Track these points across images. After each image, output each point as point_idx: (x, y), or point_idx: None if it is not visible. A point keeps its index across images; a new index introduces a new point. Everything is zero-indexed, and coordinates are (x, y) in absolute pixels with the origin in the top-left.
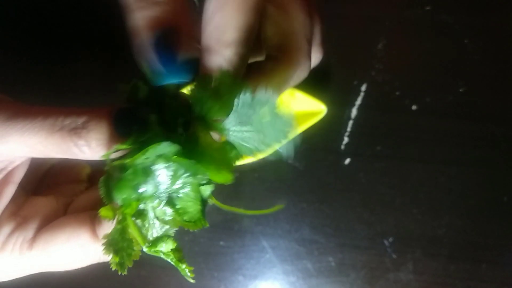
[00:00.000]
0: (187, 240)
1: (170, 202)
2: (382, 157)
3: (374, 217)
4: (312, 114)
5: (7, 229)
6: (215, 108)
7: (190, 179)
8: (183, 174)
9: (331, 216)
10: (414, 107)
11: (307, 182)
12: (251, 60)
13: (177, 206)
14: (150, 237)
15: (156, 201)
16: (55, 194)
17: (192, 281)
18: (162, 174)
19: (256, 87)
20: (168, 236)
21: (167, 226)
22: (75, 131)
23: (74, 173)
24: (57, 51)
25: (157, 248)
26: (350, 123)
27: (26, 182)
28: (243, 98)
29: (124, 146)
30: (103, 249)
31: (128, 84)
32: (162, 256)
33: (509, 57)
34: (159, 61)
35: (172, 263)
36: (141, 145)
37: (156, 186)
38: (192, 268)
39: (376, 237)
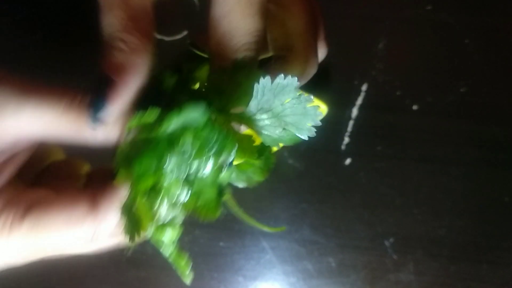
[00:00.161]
0: (187, 240)
1: (187, 182)
2: (383, 157)
3: (374, 217)
4: None
5: None
6: (234, 97)
7: (215, 157)
8: (210, 148)
9: (332, 217)
10: (415, 107)
11: (307, 182)
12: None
13: (193, 189)
14: (156, 221)
15: (174, 178)
16: (52, 188)
17: (187, 282)
18: (187, 146)
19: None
20: (174, 224)
21: (176, 212)
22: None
23: (73, 170)
24: (61, 47)
25: (160, 236)
26: (351, 123)
27: (25, 172)
28: (262, 83)
29: (147, 118)
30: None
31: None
32: (162, 248)
33: (510, 57)
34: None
35: (170, 259)
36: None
37: (179, 161)
38: (190, 263)
39: (376, 237)
